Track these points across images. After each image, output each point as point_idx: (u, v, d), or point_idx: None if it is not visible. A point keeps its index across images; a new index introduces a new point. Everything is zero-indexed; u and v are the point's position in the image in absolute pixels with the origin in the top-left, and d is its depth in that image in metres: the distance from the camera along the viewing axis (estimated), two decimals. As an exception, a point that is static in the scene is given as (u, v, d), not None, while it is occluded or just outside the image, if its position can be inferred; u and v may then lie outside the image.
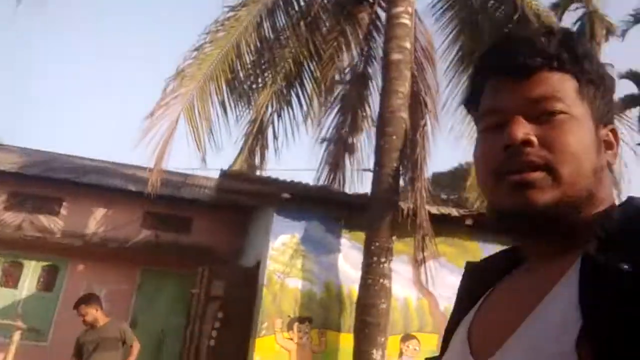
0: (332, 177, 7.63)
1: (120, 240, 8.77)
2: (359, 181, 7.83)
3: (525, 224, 0.65)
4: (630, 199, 0.67)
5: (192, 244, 9.14)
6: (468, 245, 6.25)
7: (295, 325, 5.57)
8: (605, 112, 0.70)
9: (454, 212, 5.91)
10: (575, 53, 0.68)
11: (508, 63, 0.68)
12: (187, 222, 9.36)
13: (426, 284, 5.75)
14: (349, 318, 5.70)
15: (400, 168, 5.61)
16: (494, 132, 0.68)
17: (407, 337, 5.73)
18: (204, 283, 7.53)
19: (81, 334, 5.00)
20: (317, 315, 5.65)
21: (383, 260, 5.30)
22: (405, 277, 5.81)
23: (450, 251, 5.81)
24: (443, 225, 5.61)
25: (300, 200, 5.82)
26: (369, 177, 6.09)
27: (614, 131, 0.71)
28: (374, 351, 5.04)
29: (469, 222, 5.97)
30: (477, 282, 0.80)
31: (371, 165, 6.03)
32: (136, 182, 9.07)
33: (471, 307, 0.77)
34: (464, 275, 0.85)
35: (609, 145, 0.70)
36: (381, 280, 5.24)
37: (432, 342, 5.87)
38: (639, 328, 0.50)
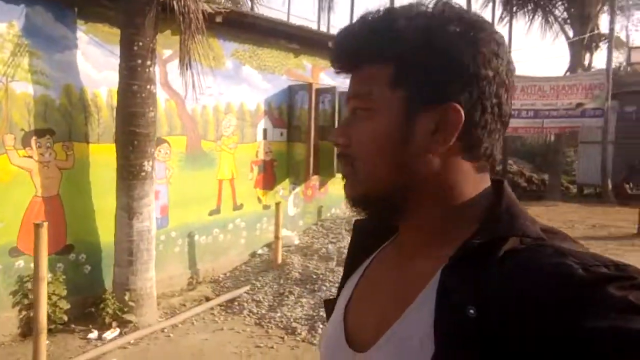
0: None
1: None
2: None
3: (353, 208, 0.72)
4: (501, 194, 0.68)
5: None
6: (211, 43, 5.98)
7: (33, 140, 4.49)
8: (436, 89, 0.64)
9: (208, 8, 5.43)
10: (400, 36, 0.64)
11: (335, 60, 0.71)
12: None
13: (173, 85, 5.40)
14: (96, 127, 4.95)
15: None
16: None
17: (159, 141, 5.42)
18: None
19: None
20: (58, 126, 4.66)
21: (148, 63, 4.64)
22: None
23: (196, 49, 5.43)
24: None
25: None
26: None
27: (452, 109, 0.63)
28: (145, 163, 4.69)
29: (219, 19, 5.64)
30: (362, 242, 0.84)
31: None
32: None
33: (355, 268, 0.82)
34: (352, 234, 0.89)
35: (440, 127, 0.64)
36: (148, 87, 4.66)
37: (181, 145, 5.79)
38: None
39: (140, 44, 4.54)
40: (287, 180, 7.28)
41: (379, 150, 0.65)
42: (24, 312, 4.45)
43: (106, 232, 4.91)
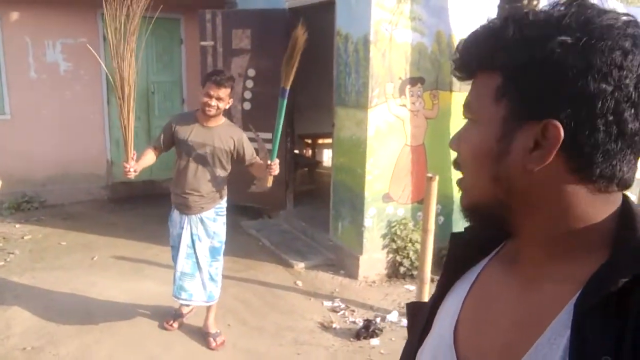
0: None
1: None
2: None
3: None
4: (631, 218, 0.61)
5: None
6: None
7: (407, 88, 4.53)
8: (536, 105, 0.59)
9: None
10: (507, 45, 0.60)
11: (455, 65, 0.68)
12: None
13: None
14: (459, 74, 4.76)
15: None
16: None
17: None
18: (219, 33, 5.90)
19: (177, 121, 3.46)
20: (428, 75, 4.60)
21: (535, 3, 4.16)
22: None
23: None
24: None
25: None
26: None
27: (551, 126, 0.58)
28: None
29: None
30: (461, 255, 0.79)
31: None
32: None
33: (453, 282, 0.78)
34: (449, 247, 0.83)
35: (538, 145, 0.60)
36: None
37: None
38: None
39: (529, -20, 4.07)
40: None
41: (478, 162, 0.64)
42: (390, 255, 4.67)
43: (460, 185, 4.80)
